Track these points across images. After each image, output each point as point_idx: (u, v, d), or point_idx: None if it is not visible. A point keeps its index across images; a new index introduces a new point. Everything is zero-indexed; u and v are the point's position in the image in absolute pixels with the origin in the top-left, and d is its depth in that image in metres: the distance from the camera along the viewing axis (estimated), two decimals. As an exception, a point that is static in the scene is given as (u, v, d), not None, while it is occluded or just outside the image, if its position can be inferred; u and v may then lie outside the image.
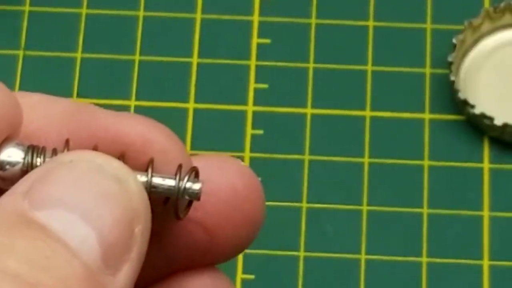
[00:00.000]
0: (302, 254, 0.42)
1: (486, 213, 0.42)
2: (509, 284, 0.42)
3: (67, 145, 0.19)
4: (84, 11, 0.48)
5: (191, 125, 0.42)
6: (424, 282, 0.41)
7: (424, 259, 0.42)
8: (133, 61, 0.47)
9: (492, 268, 0.42)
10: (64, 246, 0.18)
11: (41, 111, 0.23)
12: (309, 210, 0.43)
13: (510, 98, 0.42)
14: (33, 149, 0.19)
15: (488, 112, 0.39)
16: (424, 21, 0.45)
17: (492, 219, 0.42)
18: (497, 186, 0.43)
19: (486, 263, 0.42)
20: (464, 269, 0.42)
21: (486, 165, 0.43)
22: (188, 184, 0.19)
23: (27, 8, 0.48)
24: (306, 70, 0.46)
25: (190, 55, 0.48)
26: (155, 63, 0.46)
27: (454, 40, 0.40)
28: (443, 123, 0.44)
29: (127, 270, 0.19)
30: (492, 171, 0.44)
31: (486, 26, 0.43)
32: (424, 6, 0.46)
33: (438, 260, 0.41)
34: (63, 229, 0.19)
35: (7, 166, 0.20)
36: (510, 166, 0.43)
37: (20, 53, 0.47)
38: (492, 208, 0.42)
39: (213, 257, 0.23)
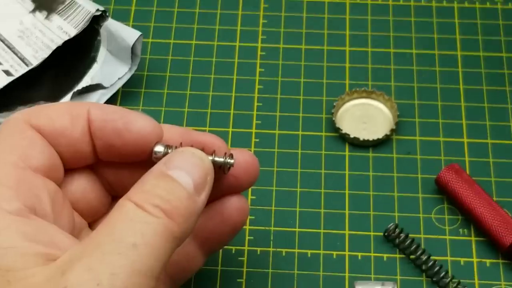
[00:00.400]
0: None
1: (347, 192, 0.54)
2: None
3: (180, 145, 0.39)
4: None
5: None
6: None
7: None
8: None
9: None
10: (179, 185, 0.35)
11: (169, 131, 0.41)
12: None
13: (359, 126, 0.57)
14: (167, 146, 0.39)
15: (348, 132, 0.55)
16: (322, 95, 0.58)
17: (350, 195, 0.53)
18: (353, 167, 0.55)
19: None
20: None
21: (347, 154, 0.56)
22: (228, 159, 0.39)
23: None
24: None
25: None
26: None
27: (334, 103, 0.56)
28: (330, 138, 0.56)
29: (204, 195, 0.37)
30: (349, 158, 0.56)
31: (348, 97, 0.57)
32: (320, 85, 0.59)
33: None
34: (178, 178, 0.36)
35: (158, 153, 0.39)
36: (360, 155, 0.55)
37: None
38: (351, 188, 0.54)
39: (238, 189, 0.43)
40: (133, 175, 0.39)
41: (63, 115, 0.38)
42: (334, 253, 0.50)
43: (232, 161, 0.40)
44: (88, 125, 0.38)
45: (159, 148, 0.39)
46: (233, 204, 0.43)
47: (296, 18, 0.61)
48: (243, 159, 0.41)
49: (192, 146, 0.39)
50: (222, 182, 0.41)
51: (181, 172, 0.36)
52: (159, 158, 0.38)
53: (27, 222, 0.33)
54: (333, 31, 0.60)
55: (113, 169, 0.41)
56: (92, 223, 0.41)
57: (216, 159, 0.39)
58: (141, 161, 0.40)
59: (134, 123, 0.38)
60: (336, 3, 0.61)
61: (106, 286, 0.31)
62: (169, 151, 0.38)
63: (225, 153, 0.40)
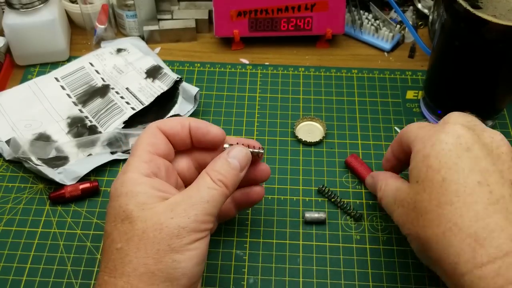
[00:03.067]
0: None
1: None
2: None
3: (236, 144, 0.37)
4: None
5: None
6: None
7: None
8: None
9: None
10: (233, 168, 0.35)
11: (231, 138, 0.39)
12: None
13: (306, 134, 0.54)
14: (230, 144, 0.37)
15: (301, 137, 0.52)
16: (288, 119, 0.56)
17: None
18: (303, 156, 0.52)
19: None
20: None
21: (300, 149, 0.53)
22: (261, 151, 0.39)
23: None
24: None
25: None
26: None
27: (294, 123, 0.54)
28: (292, 141, 0.53)
29: (243, 172, 0.36)
30: (302, 151, 0.53)
31: (301, 120, 0.54)
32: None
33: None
34: (232, 162, 0.35)
35: (225, 147, 0.37)
36: (307, 149, 0.52)
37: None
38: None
39: (259, 181, 0.41)
40: (208, 158, 0.39)
41: (177, 123, 0.38)
42: (294, 197, 0.50)
43: (262, 151, 0.40)
44: (189, 129, 0.38)
45: (226, 145, 0.39)
46: (256, 189, 0.42)
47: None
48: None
49: (241, 144, 0.39)
50: (254, 173, 0.40)
51: (234, 159, 0.36)
52: (222, 149, 0.39)
53: (152, 180, 0.34)
54: (291, 89, 0.61)
55: (199, 154, 0.40)
56: (186, 185, 0.39)
57: (255, 150, 0.39)
58: (213, 150, 0.40)
59: (212, 129, 0.38)
60: (294, 74, 0.62)
61: (192, 220, 0.32)
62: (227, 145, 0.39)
63: (259, 147, 0.39)
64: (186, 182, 0.40)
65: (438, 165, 0.32)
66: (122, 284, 0.30)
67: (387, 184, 0.39)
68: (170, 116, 0.55)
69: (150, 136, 0.36)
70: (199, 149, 0.39)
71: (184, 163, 0.39)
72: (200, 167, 0.39)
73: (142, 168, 0.34)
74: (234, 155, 0.36)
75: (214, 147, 0.38)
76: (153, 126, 0.37)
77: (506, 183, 0.31)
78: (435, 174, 0.32)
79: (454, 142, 0.32)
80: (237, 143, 0.38)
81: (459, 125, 0.33)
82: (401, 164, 0.42)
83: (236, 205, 0.41)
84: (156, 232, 0.31)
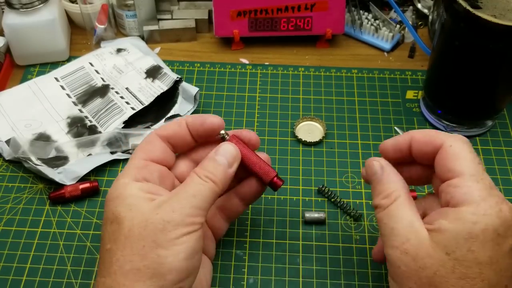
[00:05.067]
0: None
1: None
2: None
3: (230, 134, 0.36)
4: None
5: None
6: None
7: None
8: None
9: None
10: (220, 164, 0.34)
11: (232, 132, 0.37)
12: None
13: (306, 134, 0.53)
14: (225, 132, 0.37)
15: (301, 137, 0.51)
16: (288, 119, 0.55)
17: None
18: (303, 156, 0.53)
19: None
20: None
21: (300, 148, 0.52)
22: (226, 136, 0.36)
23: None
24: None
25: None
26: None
27: (294, 123, 0.53)
28: (292, 141, 0.52)
29: (233, 168, 0.35)
30: (302, 151, 0.52)
31: (301, 120, 0.54)
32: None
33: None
34: (220, 160, 0.34)
35: (218, 135, 0.36)
36: (307, 149, 0.52)
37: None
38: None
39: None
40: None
41: (174, 124, 0.38)
42: (294, 197, 0.50)
43: (227, 136, 0.38)
44: (187, 125, 0.38)
45: (222, 132, 0.38)
46: (248, 184, 0.40)
47: (274, 107, 0.59)
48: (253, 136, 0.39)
49: (236, 135, 0.38)
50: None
51: (222, 157, 0.36)
52: (218, 138, 0.38)
53: (143, 184, 0.34)
54: (291, 89, 0.60)
55: (200, 156, 0.39)
56: None
57: (222, 132, 0.38)
58: (214, 143, 0.38)
59: (208, 118, 0.38)
60: (294, 74, 0.62)
61: (178, 214, 0.31)
62: (226, 136, 0.38)
63: (255, 139, 0.38)
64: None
65: (482, 257, 0.28)
66: (109, 282, 0.30)
67: (402, 201, 0.31)
68: (170, 116, 0.55)
69: (146, 144, 0.37)
70: (200, 150, 0.39)
71: (184, 167, 0.39)
72: None
73: (133, 174, 0.34)
74: (221, 153, 0.35)
75: (212, 135, 0.38)
76: (151, 134, 0.37)
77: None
78: (475, 264, 0.28)
79: (504, 235, 0.29)
80: (231, 134, 0.38)
81: (508, 207, 0.29)
82: (409, 160, 0.35)
83: (242, 199, 0.40)
84: (142, 229, 0.31)
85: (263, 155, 0.39)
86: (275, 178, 0.37)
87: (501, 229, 0.28)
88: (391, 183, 0.33)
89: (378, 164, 0.35)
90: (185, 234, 0.31)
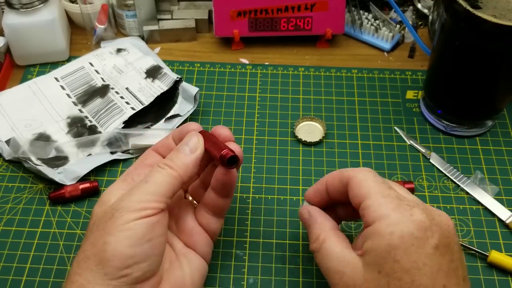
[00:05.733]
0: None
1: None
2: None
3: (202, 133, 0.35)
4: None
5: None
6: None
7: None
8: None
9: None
10: (180, 152, 0.34)
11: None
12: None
13: (306, 134, 0.53)
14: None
15: (301, 137, 0.52)
16: (288, 119, 0.55)
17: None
18: (303, 156, 0.53)
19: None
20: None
21: (300, 148, 0.52)
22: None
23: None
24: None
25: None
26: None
27: (294, 123, 0.53)
28: (292, 141, 0.52)
29: (196, 154, 0.34)
30: (302, 151, 0.52)
31: (301, 120, 0.54)
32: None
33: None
34: (182, 148, 0.34)
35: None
36: (307, 149, 0.52)
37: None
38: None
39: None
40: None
41: (164, 138, 0.40)
42: (294, 197, 0.50)
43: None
44: (172, 136, 0.39)
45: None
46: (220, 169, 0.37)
47: (274, 107, 0.59)
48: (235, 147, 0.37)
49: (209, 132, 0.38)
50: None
51: (185, 145, 0.36)
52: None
53: (124, 183, 0.36)
54: (291, 89, 0.60)
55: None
56: (193, 196, 0.42)
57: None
58: None
59: (188, 125, 0.39)
60: (294, 74, 0.62)
61: (126, 200, 0.32)
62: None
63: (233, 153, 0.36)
64: (194, 196, 0.41)
65: (407, 264, 0.28)
66: (69, 271, 0.32)
67: (329, 241, 0.33)
68: (170, 116, 0.55)
69: (143, 155, 0.39)
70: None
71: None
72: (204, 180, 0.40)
73: (122, 176, 0.37)
74: (183, 142, 0.36)
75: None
76: (149, 149, 0.40)
77: (461, 283, 0.29)
78: (404, 273, 0.28)
79: (422, 237, 0.29)
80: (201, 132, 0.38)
81: (420, 210, 0.30)
82: (332, 201, 0.37)
83: (213, 189, 0.37)
84: (98, 220, 0.32)
85: (233, 145, 0.37)
86: (224, 152, 0.35)
87: (417, 232, 0.29)
88: (317, 227, 0.35)
89: (306, 212, 0.37)
90: (132, 220, 0.31)
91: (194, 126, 0.38)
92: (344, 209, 0.37)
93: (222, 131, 0.38)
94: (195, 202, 0.40)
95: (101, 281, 0.29)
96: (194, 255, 0.37)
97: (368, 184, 0.32)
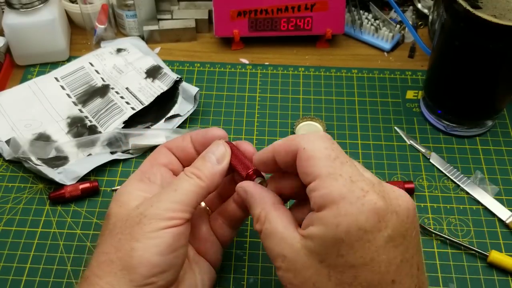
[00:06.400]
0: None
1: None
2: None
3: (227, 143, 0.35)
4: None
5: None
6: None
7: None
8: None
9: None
10: (207, 161, 0.34)
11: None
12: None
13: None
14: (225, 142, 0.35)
15: None
16: (288, 119, 0.55)
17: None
18: None
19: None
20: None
21: None
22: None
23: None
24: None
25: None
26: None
27: (294, 123, 0.53)
28: None
29: (222, 165, 0.34)
30: None
31: (301, 120, 0.54)
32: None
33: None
34: (208, 157, 0.34)
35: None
36: None
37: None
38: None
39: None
40: None
41: (179, 138, 0.39)
42: None
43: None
44: (191, 139, 0.38)
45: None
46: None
47: (274, 107, 0.59)
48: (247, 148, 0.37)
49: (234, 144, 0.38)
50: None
51: (210, 154, 0.35)
52: None
53: (142, 183, 0.35)
54: (291, 89, 0.61)
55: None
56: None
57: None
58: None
59: (210, 129, 0.38)
60: (294, 74, 0.62)
61: (155, 207, 0.31)
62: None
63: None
64: (208, 203, 0.41)
65: (352, 259, 0.26)
66: (87, 273, 0.31)
67: (271, 219, 0.30)
68: (170, 116, 0.55)
69: (153, 153, 0.38)
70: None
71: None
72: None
73: (138, 175, 0.36)
74: (210, 150, 0.35)
75: None
76: (162, 146, 0.39)
77: (414, 274, 0.27)
78: (347, 268, 0.26)
79: (372, 229, 0.26)
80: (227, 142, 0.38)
81: (376, 195, 0.26)
82: (280, 171, 0.33)
83: (235, 201, 0.38)
84: (122, 223, 0.31)
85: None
86: (251, 172, 0.34)
87: (367, 224, 0.26)
88: (257, 205, 0.32)
89: (242, 190, 0.33)
90: (161, 229, 0.30)
91: (219, 132, 0.37)
92: (291, 183, 0.33)
93: (247, 147, 0.37)
94: (208, 208, 0.40)
95: (126, 287, 0.29)
96: (205, 262, 0.37)
97: (318, 163, 0.28)
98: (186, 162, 0.38)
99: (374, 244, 0.26)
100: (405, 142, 0.52)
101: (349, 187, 0.27)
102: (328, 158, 0.28)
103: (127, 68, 0.57)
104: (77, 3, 0.60)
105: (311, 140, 0.29)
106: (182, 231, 0.32)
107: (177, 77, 0.56)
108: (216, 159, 0.34)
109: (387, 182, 0.36)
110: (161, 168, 0.37)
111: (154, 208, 0.31)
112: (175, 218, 0.31)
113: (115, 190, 0.49)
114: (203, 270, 0.36)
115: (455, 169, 0.50)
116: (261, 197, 0.32)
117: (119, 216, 0.32)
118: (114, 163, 0.51)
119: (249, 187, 0.33)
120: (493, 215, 0.46)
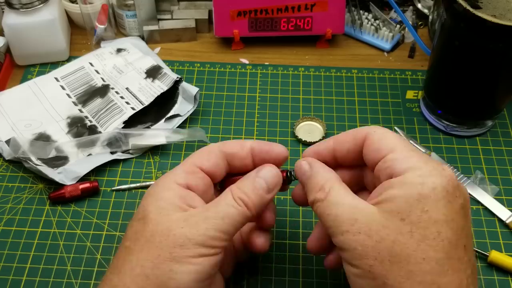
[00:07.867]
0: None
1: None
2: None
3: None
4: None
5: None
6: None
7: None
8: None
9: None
10: (258, 188, 0.32)
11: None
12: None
13: (306, 134, 0.53)
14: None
15: (301, 137, 0.52)
16: (288, 119, 0.55)
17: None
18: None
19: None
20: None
21: (300, 148, 0.53)
22: (293, 177, 0.35)
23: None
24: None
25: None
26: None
27: (294, 123, 0.53)
28: (292, 141, 0.52)
29: (271, 195, 0.33)
30: (302, 150, 0.52)
31: (301, 120, 0.54)
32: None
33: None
34: (259, 183, 0.33)
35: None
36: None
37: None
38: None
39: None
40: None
41: (236, 144, 0.37)
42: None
43: (293, 177, 0.37)
44: (250, 150, 0.37)
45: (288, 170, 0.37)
46: (259, 235, 0.38)
47: (274, 107, 0.59)
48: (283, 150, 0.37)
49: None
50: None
51: (262, 179, 0.34)
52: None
53: (182, 190, 0.34)
54: (291, 89, 0.61)
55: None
56: None
57: (288, 175, 0.37)
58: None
59: (275, 147, 0.37)
60: (294, 74, 0.62)
61: (201, 233, 0.31)
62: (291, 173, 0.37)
63: (291, 172, 0.37)
64: None
65: (436, 215, 0.28)
66: (116, 281, 0.30)
67: (337, 190, 0.31)
68: (170, 116, 0.55)
69: (205, 152, 0.36)
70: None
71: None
72: None
73: (179, 177, 0.34)
74: (263, 175, 0.34)
75: (277, 164, 0.37)
76: (213, 145, 0.37)
77: (471, 249, 0.30)
78: (431, 224, 0.28)
79: (452, 193, 0.29)
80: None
81: (452, 173, 0.30)
82: (335, 165, 0.35)
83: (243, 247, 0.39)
84: (163, 238, 0.30)
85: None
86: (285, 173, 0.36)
87: (449, 187, 0.29)
88: (322, 176, 0.33)
89: (306, 163, 0.34)
90: (202, 256, 0.30)
91: (284, 154, 0.36)
92: (346, 174, 0.35)
93: (280, 150, 0.37)
94: None
95: None
96: (219, 274, 0.36)
97: (392, 140, 0.31)
98: (236, 169, 0.37)
99: (454, 206, 0.28)
100: (405, 142, 0.53)
101: (426, 158, 0.30)
102: (400, 139, 0.32)
103: (127, 68, 0.57)
104: (77, 3, 0.60)
105: (379, 128, 0.33)
106: (219, 259, 0.32)
107: (177, 77, 0.56)
108: (267, 188, 0.34)
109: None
110: (204, 176, 0.35)
111: (199, 234, 0.31)
112: (216, 247, 0.31)
113: (115, 190, 0.49)
114: (217, 283, 0.36)
115: (455, 169, 0.50)
116: (326, 171, 0.33)
117: (159, 227, 0.31)
118: (114, 163, 0.51)
119: (315, 162, 0.34)
120: (493, 215, 0.46)
